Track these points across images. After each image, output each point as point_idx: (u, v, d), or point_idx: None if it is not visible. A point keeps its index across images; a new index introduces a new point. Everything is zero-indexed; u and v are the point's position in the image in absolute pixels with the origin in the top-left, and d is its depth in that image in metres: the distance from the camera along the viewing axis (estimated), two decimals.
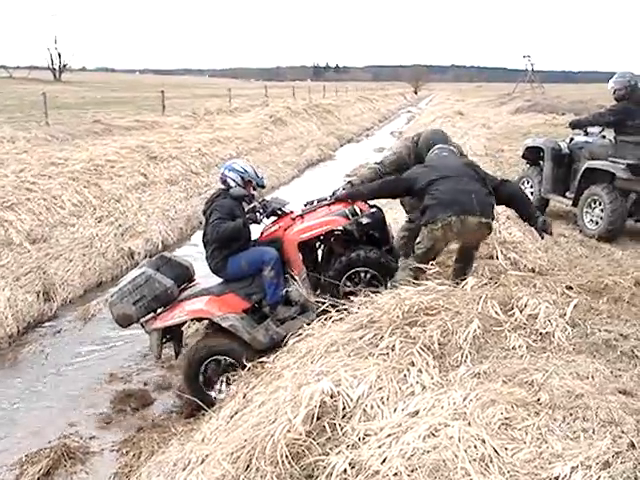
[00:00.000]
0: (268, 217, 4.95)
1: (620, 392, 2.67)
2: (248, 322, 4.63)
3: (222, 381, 4.44)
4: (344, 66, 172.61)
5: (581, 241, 6.91)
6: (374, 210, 4.87)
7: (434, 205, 4.32)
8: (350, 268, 4.62)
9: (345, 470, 2.25)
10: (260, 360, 3.92)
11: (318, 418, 2.54)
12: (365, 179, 5.19)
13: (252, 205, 4.83)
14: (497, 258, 5.27)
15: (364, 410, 2.57)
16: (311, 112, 24.27)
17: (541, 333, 3.24)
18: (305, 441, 2.45)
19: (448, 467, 2.12)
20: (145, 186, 10.53)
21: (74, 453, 4.36)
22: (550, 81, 68.72)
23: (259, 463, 2.49)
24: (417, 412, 2.50)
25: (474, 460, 2.14)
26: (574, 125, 8.02)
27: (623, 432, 2.28)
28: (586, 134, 7.91)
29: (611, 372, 2.92)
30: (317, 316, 3.92)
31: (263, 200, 5.03)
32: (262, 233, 5.01)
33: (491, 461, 2.14)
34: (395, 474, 2.15)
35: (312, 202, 5.07)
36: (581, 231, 7.29)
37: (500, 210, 5.64)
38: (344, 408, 2.59)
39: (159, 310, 4.76)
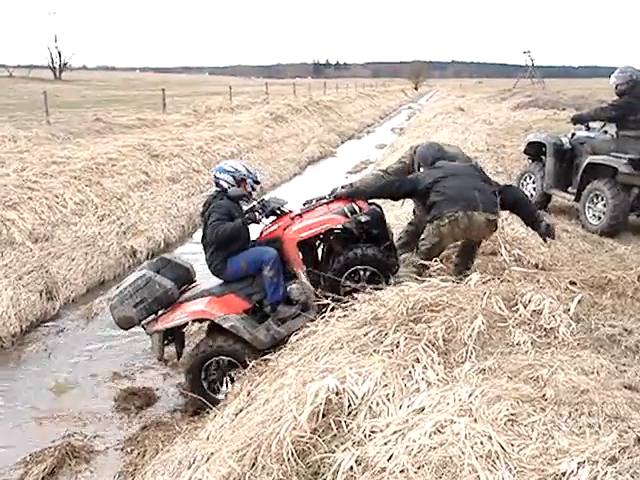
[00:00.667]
0: (267, 217, 4.93)
1: (625, 387, 2.67)
2: (249, 322, 4.63)
3: (225, 381, 4.44)
4: (344, 63, 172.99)
5: (584, 236, 6.89)
6: (373, 208, 4.86)
7: (440, 201, 4.35)
8: (349, 267, 4.60)
9: (351, 467, 2.25)
10: (264, 358, 3.93)
11: (323, 415, 2.54)
12: (367, 185, 5.20)
13: (251, 205, 4.82)
14: (501, 254, 5.26)
15: (369, 407, 2.57)
16: (312, 109, 24.25)
17: (545, 329, 3.24)
18: (311, 438, 2.45)
19: (455, 464, 2.12)
20: (147, 184, 10.53)
21: (78, 452, 4.35)
22: (551, 76, 68.58)
23: (265, 461, 2.49)
24: (423, 409, 2.49)
25: (481, 456, 2.13)
26: (576, 120, 8.00)
27: (629, 427, 2.28)
28: (588, 129, 7.90)
29: (616, 367, 2.92)
30: (319, 314, 3.92)
31: (262, 200, 5.01)
32: (261, 233, 5.00)
33: (498, 457, 2.14)
34: (401, 471, 2.15)
35: (311, 201, 5.06)
36: (584, 226, 7.27)
37: None
38: (349, 405, 2.58)
39: (160, 312, 4.76)
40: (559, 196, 8.12)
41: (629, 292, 4.22)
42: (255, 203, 4.86)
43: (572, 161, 7.97)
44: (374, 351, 3.05)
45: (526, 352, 3.01)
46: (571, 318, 3.36)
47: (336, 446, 2.42)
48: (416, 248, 4.65)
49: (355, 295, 3.82)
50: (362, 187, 4.93)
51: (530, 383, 2.65)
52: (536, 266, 5.30)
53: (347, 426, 2.49)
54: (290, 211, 4.99)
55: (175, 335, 4.98)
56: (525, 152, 8.91)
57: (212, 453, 3.03)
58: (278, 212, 4.99)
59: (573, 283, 4.27)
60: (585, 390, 2.56)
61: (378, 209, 4.90)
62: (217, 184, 4.85)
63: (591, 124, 7.86)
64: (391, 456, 2.23)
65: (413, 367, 2.82)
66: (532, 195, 8.39)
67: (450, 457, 2.15)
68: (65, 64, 54.60)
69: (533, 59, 45.50)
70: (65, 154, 10.07)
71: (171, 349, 5.10)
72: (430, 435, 2.28)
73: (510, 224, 5.91)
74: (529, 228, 5.06)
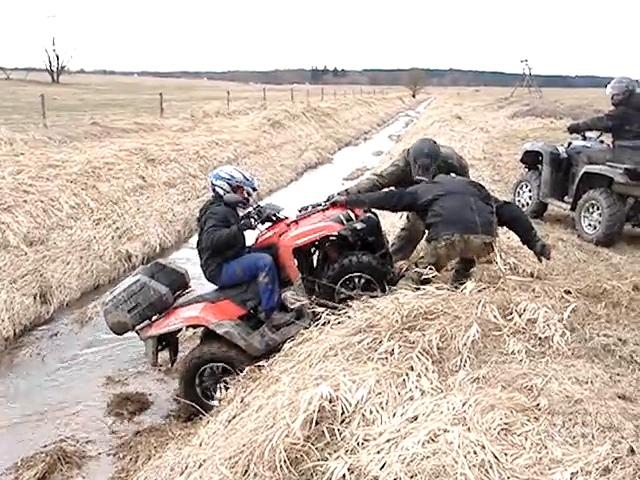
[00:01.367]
0: (263, 223, 4.93)
1: (619, 397, 2.67)
2: (243, 329, 4.61)
3: (219, 387, 4.42)
4: (342, 69, 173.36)
5: (579, 245, 6.90)
6: (369, 215, 4.86)
7: (437, 222, 4.45)
8: (343, 274, 4.60)
9: (344, 475, 2.24)
10: (257, 364, 3.91)
11: (317, 423, 2.53)
12: (362, 189, 5.21)
13: (247, 211, 4.82)
14: (496, 263, 5.26)
15: (363, 415, 2.56)
16: (309, 115, 24.27)
17: (540, 338, 3.24)
18: (304, 446, 2.44)
19: (448, 473, 2.11)
20: (143, 189, 10.50)
21: (70, 457, 4.31)
22: (548, 85, 68.89)
23: (257, 468, 2.47)
24: (416, 417, 2.49)
25: (474, 466, 2.13)
26: (572, 130, 8.04)
27: (622, 437, 2.28)
28: (584, 139, 7.94)
29: (610, 377, 2.92)
30: (313, 321, 3.91)
31: (258, 206, 5.01)
32: (257, 239, 4.99)
33: (491, 467, 2.13)
34: (394, 479, 2.14)
35: (307, 207, 5.06)
36: (579, 235, 7.29)
37: None
38: (343, 413, 2.58)
39: (154, 317, 4.74)
40: (555, 205, 8.15)
41: (624, 302, 4.21)
42: (251, 209, 4.87)
43: (568, 170, 8.01)
44: (368, 359, 3.04)
45: (520, 361, 3.01)
46: (566, 327, 3.36)
47: (329, 454, 2.40)
48: (414, 264, 4.67)
49: (350, 302, 3.82)
50: (361, 197, 4.94)
51: (524, 392, 2.65)
52: (531, 275, 5.31)
53: (340, 434, 2.48)
54: (286, 217, 4.99)
55: (169, 341, 4.96)
56: (522, 161, 8.94)
57: (205, 460, 3.01)
58: (274, 218, 4.99)
59: (568, 292, 4.27)
60: (579, 400, 2.56)
61: (374, 216, 4.90)
62: (213, 190, 4.85)
63: (587, 134, 7.92)
64: (384, 464, 2.22)
65: (407, 375, 2.82)
66: (528, 204, 8.42)
67: (443, 466, 2.14)
68: (63, 67, 54.60)
69: (530, 68, 45.60)
70: (61, 157, 10.03)
71: (165, 355, 5.07)
72: (423, 444, 2.27)
73: (506, 232, 5.91)
74: None
